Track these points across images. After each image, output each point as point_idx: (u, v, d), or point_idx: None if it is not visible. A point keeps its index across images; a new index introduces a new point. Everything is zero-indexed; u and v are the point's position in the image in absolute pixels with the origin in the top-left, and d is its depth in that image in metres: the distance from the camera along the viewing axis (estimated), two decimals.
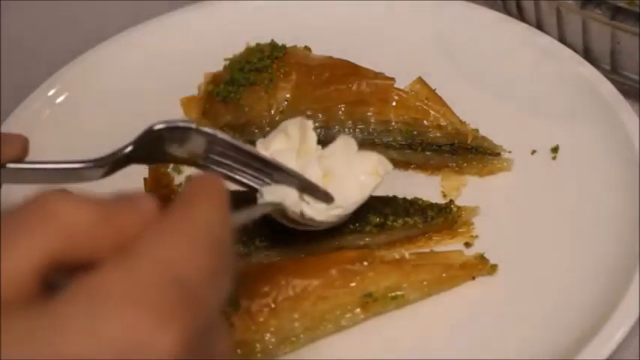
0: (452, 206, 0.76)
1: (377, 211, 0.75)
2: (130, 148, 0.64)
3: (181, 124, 0.65)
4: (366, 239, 0.75)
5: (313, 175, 0.69)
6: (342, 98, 0.81)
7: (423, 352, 0.69)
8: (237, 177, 0.67)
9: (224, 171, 0.67)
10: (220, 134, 0.65)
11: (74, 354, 0.39)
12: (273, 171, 0.68)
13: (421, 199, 0.77)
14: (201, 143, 0.65)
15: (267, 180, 0.68)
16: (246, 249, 0.74)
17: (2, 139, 0.62)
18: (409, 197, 0.77)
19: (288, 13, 0.92)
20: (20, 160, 0.62)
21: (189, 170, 0.75)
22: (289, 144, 0.71)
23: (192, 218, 0.45)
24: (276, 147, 0.71)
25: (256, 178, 0.68)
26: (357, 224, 0.74)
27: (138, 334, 0.40)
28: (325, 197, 0.69)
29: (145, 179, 0.78)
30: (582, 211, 0.76)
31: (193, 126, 0.65)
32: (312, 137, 0.72)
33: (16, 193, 0.53)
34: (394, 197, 0.77)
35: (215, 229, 0.46)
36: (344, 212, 0.71)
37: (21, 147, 0.63)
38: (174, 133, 0.64)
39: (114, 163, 0.64)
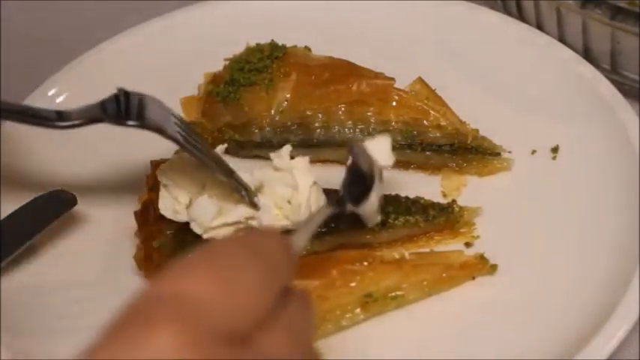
0: (454, 206, 0.76)
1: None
2: (95, 112, 0.66)
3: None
4: (367, 237, 0.75)
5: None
6: (342, 98, 0.81)
7: (423, 352, 0.69)
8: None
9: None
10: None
11: None
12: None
13: (423, 198, 0.77)
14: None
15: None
16: None
17: None
18: (410, 197, 0.77)
19: (288, 13, 0.92)
20: None
21: None
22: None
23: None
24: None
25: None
26: (358, 221, 0.74)
27: None
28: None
29: (146, 176, 0.78)
30: (582, 211, 0.76)
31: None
32: None
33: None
34: (396, 196, 0.77)
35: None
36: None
37: None
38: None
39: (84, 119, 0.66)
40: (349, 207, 0.68)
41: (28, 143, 0.84)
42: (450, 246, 0.76)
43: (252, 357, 0.45)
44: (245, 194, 0.72)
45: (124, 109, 0.65)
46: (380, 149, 0.71)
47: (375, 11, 0.92)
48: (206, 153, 0.70)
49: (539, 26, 0.88)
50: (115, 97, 0.66)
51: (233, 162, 0.79)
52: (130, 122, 0.66)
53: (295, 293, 0.51)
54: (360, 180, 0.69)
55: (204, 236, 0.72)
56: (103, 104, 0.66)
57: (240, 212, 0.72)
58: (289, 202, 0.72)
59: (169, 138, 0.67)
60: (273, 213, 0.72)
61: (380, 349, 0.70)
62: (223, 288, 0.45)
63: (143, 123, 0.66)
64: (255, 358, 0.45)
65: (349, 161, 0.69)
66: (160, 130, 0.66)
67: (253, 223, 0.72)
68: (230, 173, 0.71)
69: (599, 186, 0.76)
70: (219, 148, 0.75)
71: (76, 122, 0.66)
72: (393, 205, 0.76)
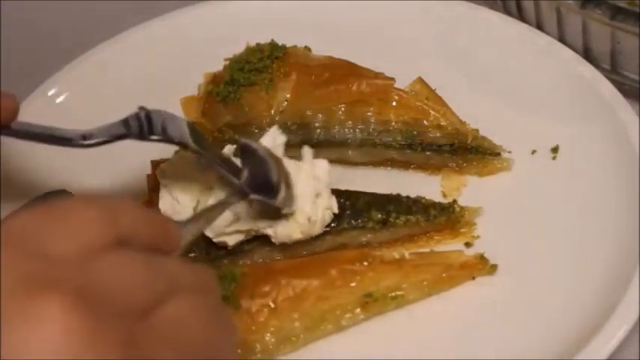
0: (455, 206, 0.77)
1: (379, 208, 0.75)
2: (119, 129, 0.66)
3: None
4: (368, 236, 0.75)
5: None
6: (342, 98, 0.81)
7: (423, 352, 0.69)
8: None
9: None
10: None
11: None
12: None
13: (424, 198, 0.77)
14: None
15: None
16: (248, 247, 0.74)
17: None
18: (411, 197, 0.77)
19: (288, 13, 0.92)
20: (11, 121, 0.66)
21: None
22: None
23: None
24: None
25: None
26: (359, 221, 0.75)
27: None
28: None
29: (147, 176, 0.78)
30: (582, 211, 0.76)
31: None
32: None
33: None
34: (397, 195, 0.77)
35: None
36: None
37: (12, 109, 0.66)
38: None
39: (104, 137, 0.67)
40: (254, 196, 0.69)
41: (28, 143, 0.84)
42: (450, 246, 0.76)
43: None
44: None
45: (146, 124, 0.67)
46: (271, 139, 0.73)
47: (375, 11, 0.92)
48: (228, 165, 0.71)
49: (539, 26, 0.88)
50: (136, 115, 0.67)
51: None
52: (154, 137, 0.67)
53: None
54: (264, 176, 0.70)
55: (215, 240, 0.72)
56: (126, 122, 0.67)
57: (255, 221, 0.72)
58: (309, 219, 0.73)
59: (193, 151, 0.68)
60: (290, 226, 0.73)
61: (380, 349, 0.70)
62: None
63: (166, 137, 0.67)
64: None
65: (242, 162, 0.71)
66: (182, 144, 0.68)
67: (267, 231, 0.73)
68: (245, 192, 0.71)
69: (599, 186, 0.76)
70: (228, 149, 0.75)
71: (100, 140, 0.67)
72: (394, 204, 0.76)
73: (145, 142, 0.67)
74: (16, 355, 0.39)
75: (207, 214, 0.65)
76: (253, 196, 0.70)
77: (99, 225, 0.44)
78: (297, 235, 0.73)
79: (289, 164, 0.73)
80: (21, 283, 0.41)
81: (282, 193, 0.70)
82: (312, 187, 0.73)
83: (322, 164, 0.75)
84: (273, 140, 0.74)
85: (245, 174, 0.70)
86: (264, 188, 0.70)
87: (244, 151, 0.71)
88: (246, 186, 0.70)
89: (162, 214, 0.49)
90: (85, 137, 0.67)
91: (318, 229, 0.73)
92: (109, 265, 0.43)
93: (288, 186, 0.71)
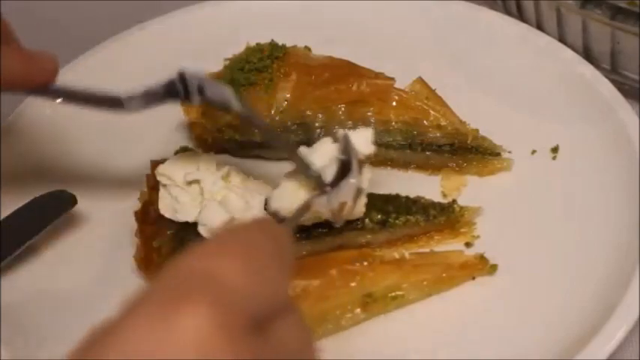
0: (454, 206, 0.76)
1: (379, 209, 0.75)
2: (161, 85, 0.66)
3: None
4: (368, 236, 0.75)
5: None
6: (342, 98, 0.81)
7: (423, 352, 0.69)
8: None
9: None
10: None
11: None
12: None
13: (424, 198, 0.77)
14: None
15: None
16: None
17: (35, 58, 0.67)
18: (410, 197, 0.77)
19: (288, 13, 0.92)
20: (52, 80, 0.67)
21: None
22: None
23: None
24: None
25: None
26: (358, 221, 0.74)
27: None
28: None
29: (147, 175, 0.78)
30: (582, 211, 0.76)
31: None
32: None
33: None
34: (397, 195, 0.77)
35: None
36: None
37: (51, 69, 0.67)
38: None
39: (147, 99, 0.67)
40: (328, 189, 0.69)
41: (28, 143, 0.84)
42: (450, 246, 0.76)
43: (272, 347, 0.45)
44: (311, 171, 0.70)
45: (183, 88, 0.66)
46: (361, 140, 0.71)
47: (375, 11, 0.92)
48: (269, 129, 0.71)
49: (539, 26, 0.88)
50: (178, 77, 0.66)
51: (233, 162, 0.79)
52: (196, 99, 0.66)
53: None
54: (343, 169, 0.70)
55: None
56: (167, 85, 0.66)
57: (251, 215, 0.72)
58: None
59: (235, 112, 0.66)
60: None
61: (380, 349, 0.70)
62: (254, 277, 0.44)
63: (206, 99, 0.66)
64: (275, 348, 0.45)
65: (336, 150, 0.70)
66: (224, 106, 0.66)
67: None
68: (293, 148, 0.71)
69: (599, 186, 0.76)
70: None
71: (142, 104, 0.67)
72: (394, 204, 0.76)
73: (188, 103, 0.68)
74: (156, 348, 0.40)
75: (299, 212, 0.66)
76: (328, 190, 0.69)
77: (285, 277, 0.48)
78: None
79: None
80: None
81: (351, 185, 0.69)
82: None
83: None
84: (362, 143, 0.72)
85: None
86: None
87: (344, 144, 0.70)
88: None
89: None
90: (128, 99, 0.67)
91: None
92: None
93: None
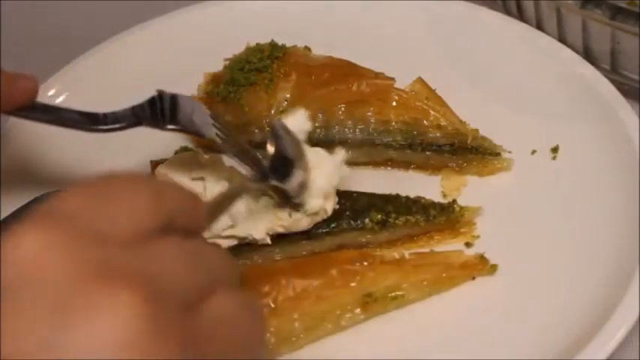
0: (454, 206, 0.77)
1: (379, 209, 0.75)
2: (140, 109, 0.68)
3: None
4: (368, 236, 0.75)
5: None
6: (342, 98, 0.81)
7: (423, 352, 0.69)
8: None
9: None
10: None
11: None
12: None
13: (424, 198, 0.77)
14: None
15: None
16: (247, 247, 0.74)
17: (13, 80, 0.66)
18: (410, 197, 0.77)
19: (288, 13, 0.92)
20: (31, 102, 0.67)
21: None
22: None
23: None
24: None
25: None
26: (358, 221, 0.74)
27: None
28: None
29: (151, 161, 0.78)
30: (582, 211, 0.76)
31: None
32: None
33: None
34: (397, 195, 0.77)
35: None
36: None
37: (30, 90, 0.67)
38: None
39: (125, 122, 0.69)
40: (273, 182, 0.69)
41: (28, 143, 0.84)
42: (450, 246, 0.76)
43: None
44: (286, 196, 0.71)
45: (159, 112, 0.68)
46: (297, 121, 0.73)
47: (375, 11, 0.92)
48: (245, 153, 0.72)
49: (539, 26, 0.88)
50: (151, 101, 0.68)
51: (233, 162, 0.79)
52: (170, 126, 0.68)
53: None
54: (286, 160, 0.70)
55: (209, 241, 0.72)
56: (141, 107, 0.68)
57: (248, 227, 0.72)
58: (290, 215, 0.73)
59: (208, 140, 0.69)
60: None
61: (380, 349, 0.70)
62: (97, 202, 0.43)
63: (181, 126, 0.68)
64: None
65: (272, 142, 0.70)
66: (198, 134, 0.69)
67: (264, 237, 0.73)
68: (265, 176, 0.71)
69: (599, 186, 0.76)
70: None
71: (117, 126, 0.69)
72: (394, 204, 0.76)
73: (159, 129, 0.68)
74: (85, 341, 0.39)
75: (225, 198, 0.64)
76: (272, 182, 0.69)
77: (150, 206, 0.43)
78: (304, 223, 0.73)
79: (311, 152, 0.73)
80: (87, 270, 0.40)
81: (297, 177, 0.70)
82: (329, 182, 0.73)
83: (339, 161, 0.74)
84: (298, 124, 0.73)
85: (267, 161, 0.70)
86: (282, 175, 0.69)
87: (274, 133, 0.70)
88: (267, 171, 0.69)
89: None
90: (97, 120, 0.68)
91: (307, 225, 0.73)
92: (162, 254, 0.43)
93: (305, 171, 0.71)
